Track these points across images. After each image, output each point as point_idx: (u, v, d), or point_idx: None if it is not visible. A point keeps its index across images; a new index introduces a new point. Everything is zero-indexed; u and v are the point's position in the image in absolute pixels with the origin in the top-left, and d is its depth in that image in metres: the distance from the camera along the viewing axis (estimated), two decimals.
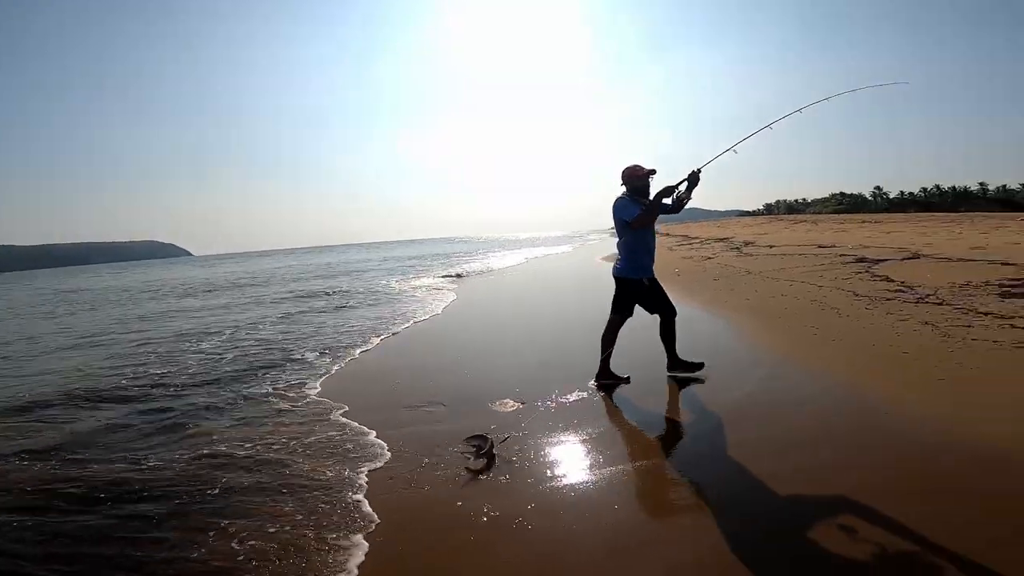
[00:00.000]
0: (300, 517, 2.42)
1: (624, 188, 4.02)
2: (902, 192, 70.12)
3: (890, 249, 11.96)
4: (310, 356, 6.05)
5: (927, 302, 5.78)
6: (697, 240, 22.51)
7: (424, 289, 13.54)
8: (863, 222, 26.33)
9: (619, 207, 3.97)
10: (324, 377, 5.08)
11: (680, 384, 4.05)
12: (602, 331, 4.13)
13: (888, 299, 6.21)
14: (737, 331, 5.73)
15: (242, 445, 3.37)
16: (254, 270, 33.13)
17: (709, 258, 14.08)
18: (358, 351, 6.24)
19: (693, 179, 3.92)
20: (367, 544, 2.18)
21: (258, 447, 3.32)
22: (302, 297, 13.72)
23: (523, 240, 69.50)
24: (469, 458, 2.91)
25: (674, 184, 3.94)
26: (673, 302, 4.22)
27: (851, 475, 2.43)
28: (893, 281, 7.50)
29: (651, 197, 3.94)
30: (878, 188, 71.48)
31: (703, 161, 4.06)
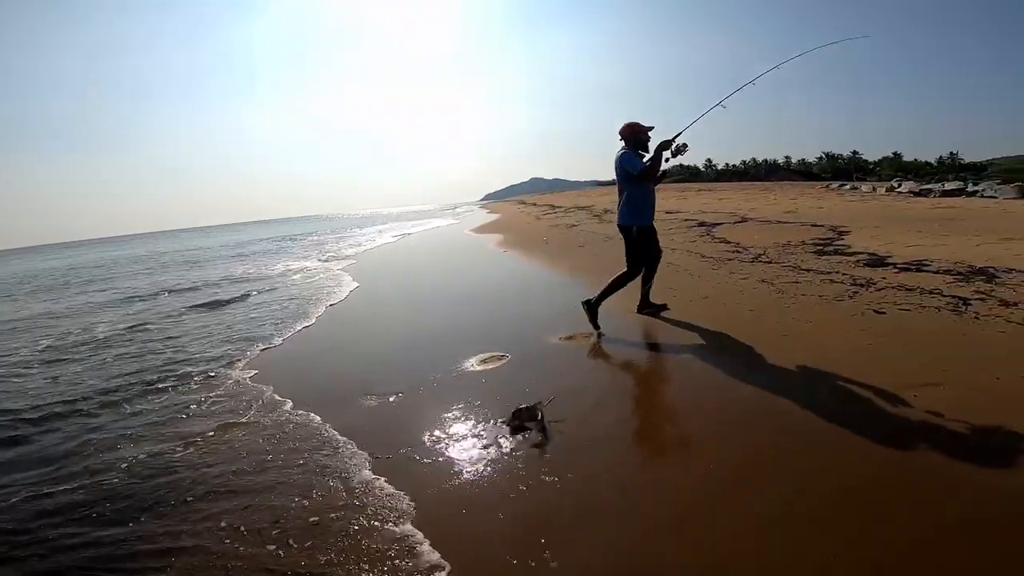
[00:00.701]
0: None
1: (623, 143, 4.21)
2: (727, 164, 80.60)
3: (723, 214, 13.37)
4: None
5: (760, 261, 6.39)
6: (562, 209, 23.30)
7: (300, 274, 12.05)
8: (699, 190, 29.51)
9: (625, 159, 4.13)
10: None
11: (559, 354, 3.91)
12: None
13: (729, 259, 6.78)
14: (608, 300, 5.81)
15: None
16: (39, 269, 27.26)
17: (574, 225, 14.53)
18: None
19: (680, 148, 4.11)
20: None
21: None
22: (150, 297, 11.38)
23: (394, 215, 66.76)
24: (526, 435, 2.67)
25: (670, 138, 4.12)
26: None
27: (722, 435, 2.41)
28: (730, 243, 8.28)
29: (651, 152, 4.14)
30: (709, 160, 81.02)
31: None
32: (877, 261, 5.76)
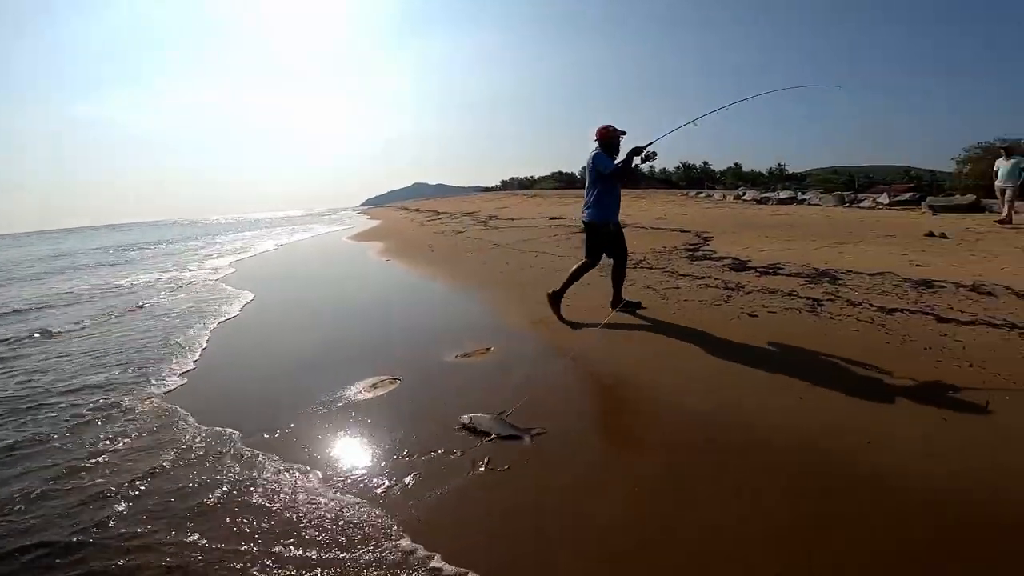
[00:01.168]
0: None
1: (597, 144, 4.41)
2: None
3: None
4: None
5: (642, 267, 6.66)
6: (447, 215, 22.97)
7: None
8: (579, 196, 30.98)
9: (598, 159, 4.34)
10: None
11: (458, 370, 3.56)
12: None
13: None
14: (500, 308, 5.60)
15: None
16: None
17: (460, 232, 14.28)
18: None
19: (649, 155, 4.32)
20: None
21: None
22: None
23: (263, 222, 61.05)
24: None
25: (642, 146, 4.33)
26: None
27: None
28: None
29: (621, 157, 4.37)
30: (584, 168, 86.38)
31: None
32: (740, 265, 6.27)
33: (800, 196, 17.34)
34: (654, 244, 8.62)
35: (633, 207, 18.51)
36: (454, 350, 4.07)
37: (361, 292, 7.39)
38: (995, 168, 10.13)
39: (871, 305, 4.27)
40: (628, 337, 4.07)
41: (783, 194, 18.17)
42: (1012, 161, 9.83)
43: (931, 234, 8.10)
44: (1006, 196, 9.68)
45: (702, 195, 24.42)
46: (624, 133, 4.44)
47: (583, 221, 4.58)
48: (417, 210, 32.05)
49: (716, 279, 5.55)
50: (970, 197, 12.61)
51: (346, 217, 43.83)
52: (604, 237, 4.48)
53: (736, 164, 69.95)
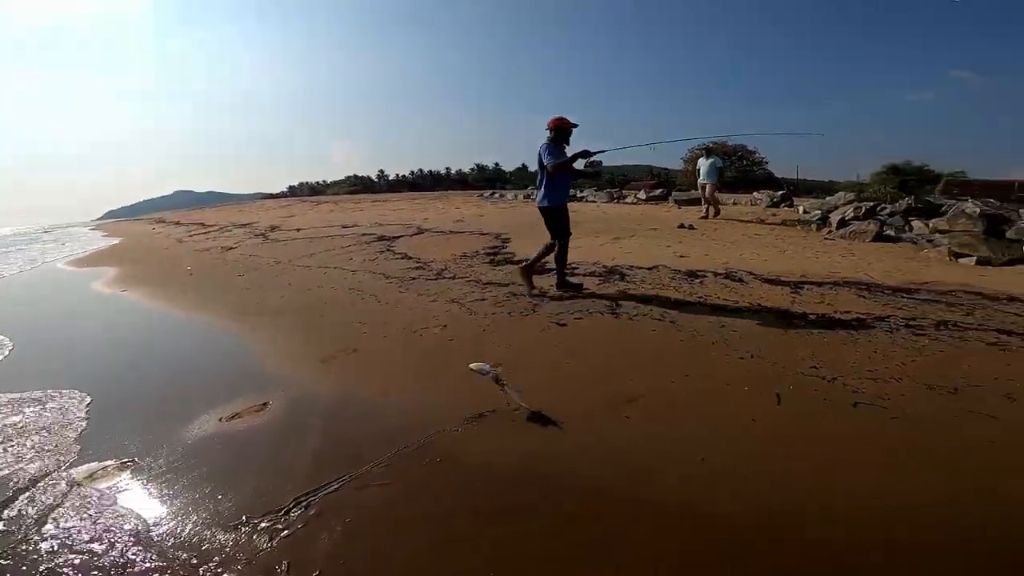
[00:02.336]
0: None
1: (550, 134, 4.64)
2: (398, 174, 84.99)
3: (399, 226, 13.32)
4: None
5: (444, 277, 6.19)
6: (215, 228, 19.45)
7: None
8: (374, 201, 29.62)
9: (545, 150, 4.60)
10: None
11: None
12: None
13: (413, 278, 6.37)
14: (280, 344, 4.49)
15: None
16: None
17: (231, 248, 12.01)
18: None
19: (594, 163, 4.70)
20: None
21: None
22: None
23: None
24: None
25: (592, 151, 4.62)
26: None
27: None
28: (411, 258, 7.97)
29: (569, 151, 4.66)
30: (382, 171, 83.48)
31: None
32: (541, 269, 6.27)
33: (579, 194, 19.19)
34: (455, 250, 8.28)
35: (430, 210, 18.24)
36: (216, 411, 3.00)
37: (91, 339, 5.33)
38: (697, 167, 11.23)
39: (658, 298, 4.52)
40: (437, 362, 3.51)
41: None
42: (710, 161, 10.65)
43: (682, 226, 9.46)
44: (706, 192, 10.68)
45: (495, 195, 25.50)
46: (576, 126, 4.73)
47: (540, 207, 4.89)
48: (177, 223, 26.62)
49: (520, 285, 5.38)
50: None
51: (71, 236, 34.26)
52: (560, 214, 4.82)
53: (523, 164, 75.79)
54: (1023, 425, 2.49)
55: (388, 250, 8.99)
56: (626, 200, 17.31)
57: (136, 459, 2.55)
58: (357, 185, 72.69)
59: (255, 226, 17.50)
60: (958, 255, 7.20)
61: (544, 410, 2.72)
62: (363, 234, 11.78)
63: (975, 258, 7.04)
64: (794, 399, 2.76)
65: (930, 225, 8.77)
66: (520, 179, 56.18)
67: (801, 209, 11.69)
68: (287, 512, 2.08)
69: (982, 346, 3.48)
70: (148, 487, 2.34)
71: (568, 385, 3.03)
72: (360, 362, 3.71)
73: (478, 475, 2.27)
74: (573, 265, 6.21)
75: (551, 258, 5.03)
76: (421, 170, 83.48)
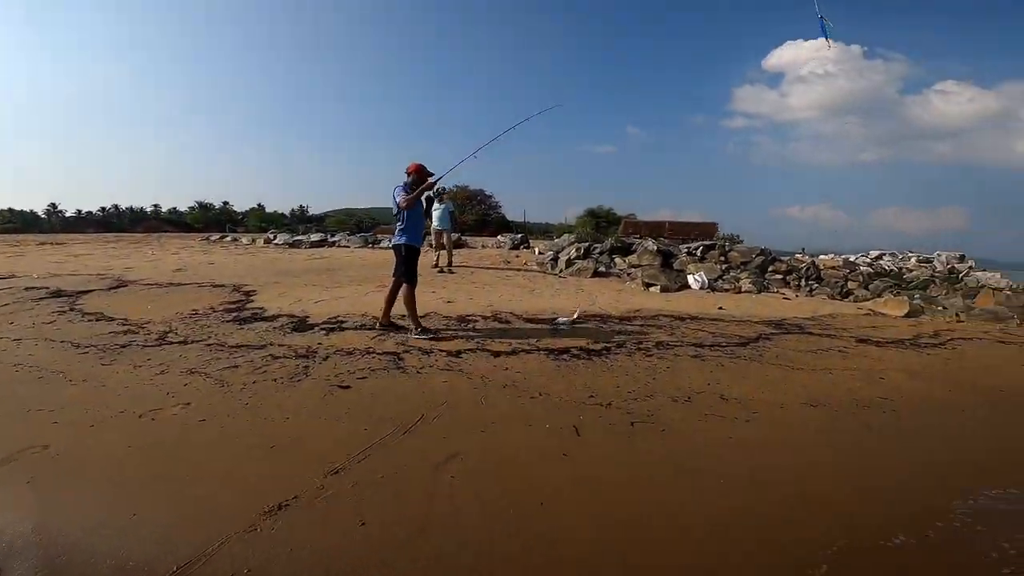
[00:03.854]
0: None
1: (408, 178, 5.05)
2: (79, 211, 66.04)
3: (89, 276, 10.24)
4: None
5: (171, 343, 4.89)
6: None
7: None
8: (42, 243, 22.27)
9: (397, 191, 5.00)
10: None
11: None
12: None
13: (123, 346, 4.86)
14: None
15: None
16: None
17: None
18: None
19: (439, 191, 6.13)
20: None
21: None
22: None
23: None
24: None
25: (434, 181, 5.09)
26: None
27: None
28: (114, 320, 6.12)
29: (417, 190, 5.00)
30: (53, 205, 63.93)
31: None
32: (301, 324, 5.54)
33: (331, 238, 18.16)
34: (180, 307, 6.68)
35: (135, 257, 14.71)
36: None
37: None
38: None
39: (440, 351, 4.45)
40: (193, 453, 2.64)
41: (314, 236, 18.59)
42: (443, 207, 10.24)
43: (441, 270, 9.80)
44: (443, 239, 10.18)
45: (227, 239, 22.14)
46: (432, 174, 5.05)
47: (395, 244, 5.08)
48: None
49: (282, 346, 4.62)
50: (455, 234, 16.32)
51: None
52: (410, 256, 5.02)
53: (259, 204, 68.03)
54: (745, 420, 3.24)
55: (72, 309, 6.69)
56: (380, 244, 17.15)
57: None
58: (14, 222, 53.79)
59: None
60: (648, 285, 9.28)
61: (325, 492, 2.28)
62: (27, 289, 8.60)
63: (659, 286, 9.16)
64: (588, 428, 3.00)
65: (627, 261, 11.16)
66: (259, 220, 50.03)
67: (536, 250, 13.49)
68: None
69: (688, 359, 4.46)
70: None
71: (350, 450, 2.63)
72: (59, 466, 2.53)
73: None
74: (340, 318, 5.70)
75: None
76: (116, 206, 66.92)
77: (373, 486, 2.38)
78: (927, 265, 12.78)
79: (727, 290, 9.01)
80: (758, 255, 11.25)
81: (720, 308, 7.24)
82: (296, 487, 2.34)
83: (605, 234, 13.77)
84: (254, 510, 2.17)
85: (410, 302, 5.02)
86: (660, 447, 2.87)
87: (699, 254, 11.48)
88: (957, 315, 7.19)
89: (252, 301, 7.04)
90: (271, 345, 4.64)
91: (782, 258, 11.85)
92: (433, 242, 10.39)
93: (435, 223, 10.19)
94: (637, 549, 2.01)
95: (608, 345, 4.73)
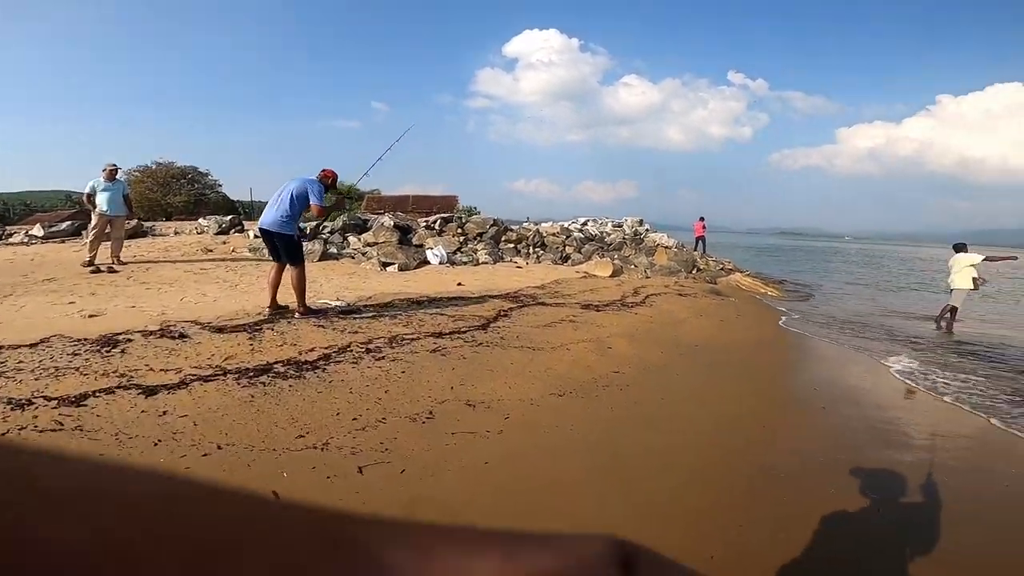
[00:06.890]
0: None
1: (319, 180, 5.04)
2: None
3: None
4: None
5: None
6: None
7: None
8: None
9: (317, 188, 4.89)
10: None
11: None
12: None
13: None
14: None
15: None
16: None
17: None
18: None
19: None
20: None
21: None
22: None
23: None
24: None
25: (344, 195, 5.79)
26: None
27: None
28: None
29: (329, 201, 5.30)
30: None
31: None
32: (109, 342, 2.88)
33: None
34: None
35: None
36: None
37: None
38: (93, 195, 7.49)
39: (43, 397, 2.73)
40: None
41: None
42: (114, 187, 7.62)
43: (97, 269, 7.01)
44: (111, 229, 7.55)
45: None
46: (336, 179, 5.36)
47: (281, 232, 4.72)
48: None
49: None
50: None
51: None
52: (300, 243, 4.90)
53: None
54: (498, 432, 2.68)
55: None
56: (11, 240, 11.86)
57: None
58: None
59: None
60: (386, 264, 8.47)
61: None
62: None
63: (397, 265, 8.43)
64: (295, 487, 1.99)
65: (362, 240, 10.11)
66: None
67: (251, 234, 11.20)
68: None
69: (427, 355, 3.81)
70: None
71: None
72: None
73: None
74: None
75: None
76: None
77: None
78: (619, 229, 15.32)
79: (466, 263, 8.87)
80: (492, 226, 11.57)
81: (459, 284, 6.92)
82: None
83: (350, 211, 12.29)
84: None
85: (299, 286, 4.80)
86: (402, 494, 2.09)
87: (438, 227, 11.21)
88: (646, 272, 8.51)
89: None
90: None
91: (512, 227, 12.54)
92: (92, 232, 7.34)
93: (103, 206, 7.31)
94: None
95: (327, 352, 3.72)
